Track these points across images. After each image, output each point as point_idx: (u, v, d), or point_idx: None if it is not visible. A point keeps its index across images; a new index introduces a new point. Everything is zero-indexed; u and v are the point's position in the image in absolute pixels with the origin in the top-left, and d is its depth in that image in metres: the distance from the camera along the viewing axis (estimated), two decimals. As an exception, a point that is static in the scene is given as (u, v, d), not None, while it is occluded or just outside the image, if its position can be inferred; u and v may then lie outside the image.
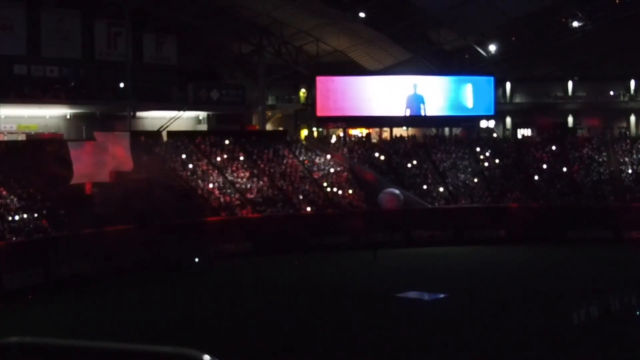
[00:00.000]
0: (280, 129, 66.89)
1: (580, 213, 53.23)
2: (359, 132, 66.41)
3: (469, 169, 58.88)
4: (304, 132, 65.96)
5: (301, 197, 53.46)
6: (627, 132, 65.35)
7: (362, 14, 59.02)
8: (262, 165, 55.85)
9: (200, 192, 51.08)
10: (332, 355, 27.22)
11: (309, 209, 52.72)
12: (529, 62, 63.80)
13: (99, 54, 58.54)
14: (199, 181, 51.88)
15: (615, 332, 29.31)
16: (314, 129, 64.97)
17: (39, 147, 49.83)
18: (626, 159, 58.54)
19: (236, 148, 56.61)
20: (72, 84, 56.66)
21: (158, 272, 42.22)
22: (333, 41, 62.56)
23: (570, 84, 66.68)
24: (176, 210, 47.08)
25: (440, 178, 57.77)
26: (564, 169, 58.01)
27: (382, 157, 59.62)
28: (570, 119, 67.15)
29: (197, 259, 44.94)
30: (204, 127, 64.39)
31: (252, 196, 52.23)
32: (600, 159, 58.95)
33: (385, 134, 65.36)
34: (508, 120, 68.16)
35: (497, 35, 63.10)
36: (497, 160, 59.67)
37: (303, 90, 67.04)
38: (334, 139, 63.96)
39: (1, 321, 32.08)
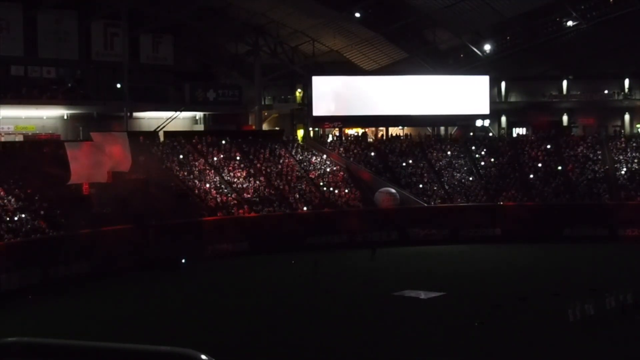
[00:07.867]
0: (277, 128, 67.03)
1: (575, 211, 53.48)
2: (354, 131, 66.59)
3: (465, 168, 59.15)
4: (301, 132, 66.07)
5: (297, 196, 53.65)
6: (622, 131, 65.53)
7: (357, 14, 59.14)
8: (258, 165, 56.04)
9: (197, 192, 51.24)
10: (329, 353, 27.41)
11: (305, 208, 52.90)
12: (523, 61, 63.92)
13: (96, 55, 58.74)
14: (196, 181, 52.05)
15: (611, 329, 29.56)
16: (310, 128, 65.11)
17: (36, 147, 49.93)
18: (621, 157, 58.83)
19: (233, 148, 56.80)
20: (69, 84, 56.87)
21: (155, 272, 42.38)
22: (329, 41, 62.70)
23: (564, 82, 66.80)
24: (173, 210, 47.20)
25: (436, 177, 58.00)
26: (559, 168, 58.29)
27: (378, 157, 59.83)
28: (565, 118, 67.33)
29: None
30: (200, 127, 64.55)
31: (249, 196, 52.41)
32: (595, 158, 59.22)
33: (381, 133, 65.53)
34: (503, 119, 68.30)
35: (492, 35, 63.26)
36: (492, 159, 59.96)
37: (299, 90, 67.13)
38: (330, 139, 64.15)
39: (0, 321, 32.22)
